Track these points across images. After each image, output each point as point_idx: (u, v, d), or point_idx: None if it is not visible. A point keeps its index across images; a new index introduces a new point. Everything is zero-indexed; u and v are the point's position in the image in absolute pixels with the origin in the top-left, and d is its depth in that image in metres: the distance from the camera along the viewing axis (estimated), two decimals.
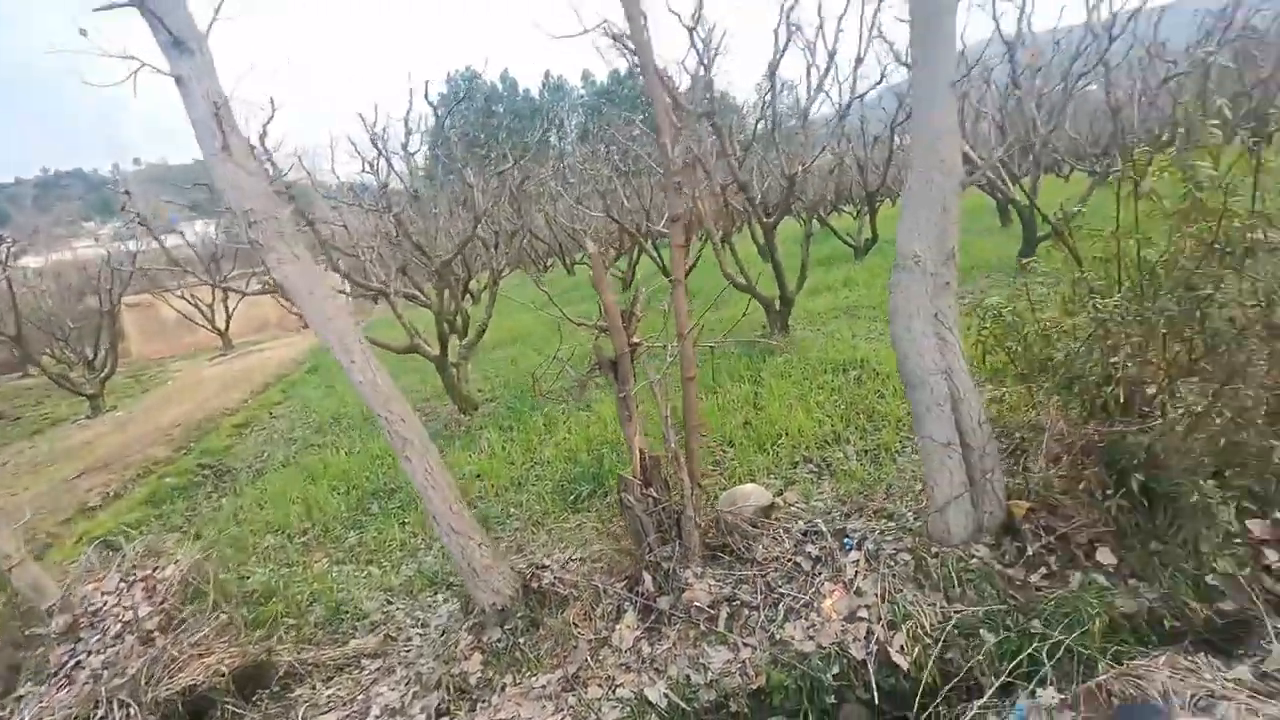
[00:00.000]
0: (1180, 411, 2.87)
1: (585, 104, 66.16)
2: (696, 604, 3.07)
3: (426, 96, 6.58)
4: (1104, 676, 2.23)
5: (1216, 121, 2.71)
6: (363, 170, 7.48)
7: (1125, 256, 3.00)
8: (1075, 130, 14.70)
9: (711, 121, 6.59)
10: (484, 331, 7.44)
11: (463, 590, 3.34)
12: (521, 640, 3.03)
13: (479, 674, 2.94)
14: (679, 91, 6.15)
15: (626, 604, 3.20)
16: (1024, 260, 3.47)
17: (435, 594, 3.78)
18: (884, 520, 3.35)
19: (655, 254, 12.15)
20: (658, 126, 2.71)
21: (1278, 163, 2.62)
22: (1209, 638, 2.59)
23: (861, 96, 7.24)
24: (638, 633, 3.05)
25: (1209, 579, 2.78)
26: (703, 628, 2.99)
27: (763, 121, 7.54)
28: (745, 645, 2.87)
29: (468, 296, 10.16)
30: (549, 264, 23.11)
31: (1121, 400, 2.91)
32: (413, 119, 6.31)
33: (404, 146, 6.53)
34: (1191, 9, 9.35)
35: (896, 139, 10.29)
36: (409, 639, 3.41)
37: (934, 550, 3.03)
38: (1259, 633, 2.46)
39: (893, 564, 3.04)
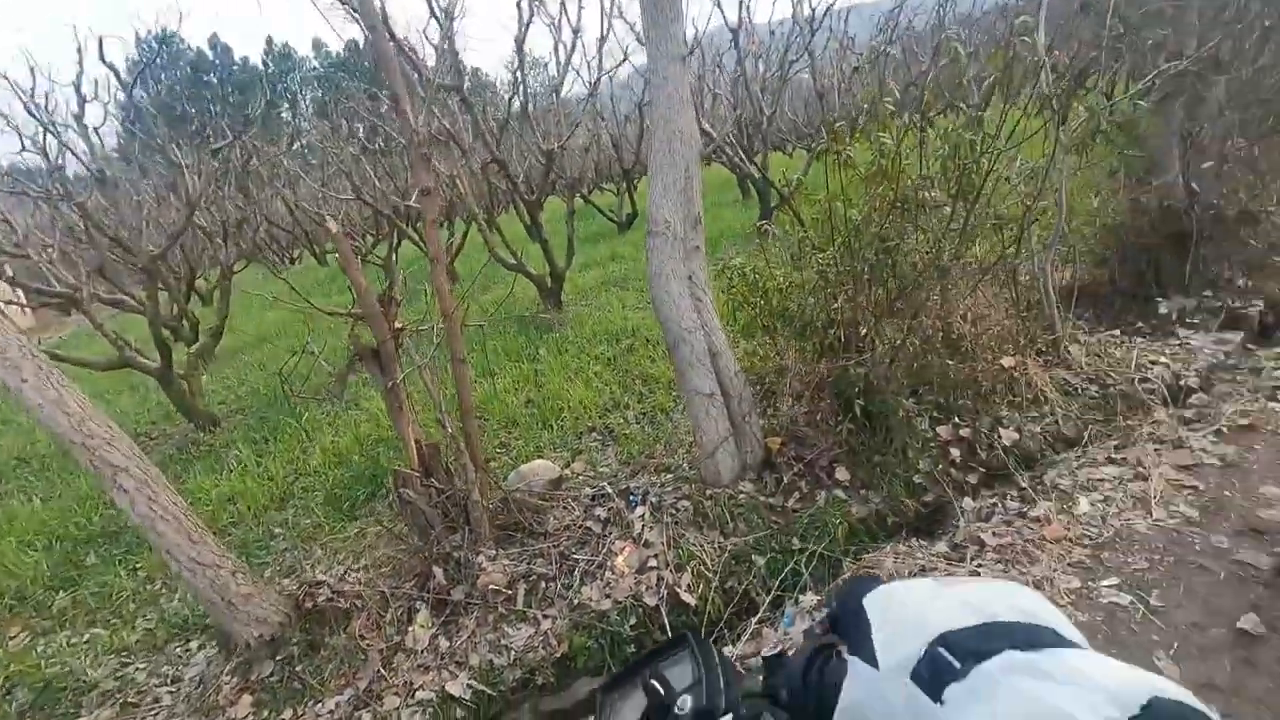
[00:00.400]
0: (884, 345, 3.46)
1: (320, 76, 59.69)
2: (493, 587, 3.01)
3: (103, 56, 5.41)
4: (847, 574, 2.63)
5: (891, 101, 3.26)
6: (22, 150, 6.01)
7: (835, 217, 3.48)
8: (794, 112, 16.79)
9: (461, 96, 6.35)
10: (219, 335, 6.46)
11: (221, 629, 2.91)
12: (300, 667, 2.73)
13: (250, 716, 2.60)
14: (423, 62, 5.82)
15: (419, 603, 3.04)
16: (760, 224, 3.87)
17: (187, 642, 3.24)
18: (664, 474, 3.55)
19: (417, 238, 11.50)
20: (394, 94, 2.52)
21: (936, 136, 3.24)
22: (919, 525, 3.19)
23: (610, 74, 7.48)
24: (433, 630, 2.92)
25: (915, 478, 3.42)
26: (501, 609, 2.95)
27: (517, 99, 7.46)
28: (546, 617, 2.88)
29: (194, 297, 8.73)
30: (295, 255, 20.74)
31: (843, 340, 3.42)
32: (87, 85, 5.15)
33: (78, 119, 5.33)
34: (870, 10, 11.07)
35: (646, 119, 10.84)
36: (156, 700, 2.89)
37: (708, 493, 3.30)
38: (952, 514, 3.07)
39: (675, 512, 3.26)
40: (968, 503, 2.98)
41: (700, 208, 3.12)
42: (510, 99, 7.86)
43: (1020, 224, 3.71)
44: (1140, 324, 4.92)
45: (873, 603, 0.50)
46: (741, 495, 3.31)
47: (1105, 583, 2.13)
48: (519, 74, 6.95)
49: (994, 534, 2.55)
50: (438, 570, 3.07)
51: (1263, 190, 5.98)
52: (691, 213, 3.05)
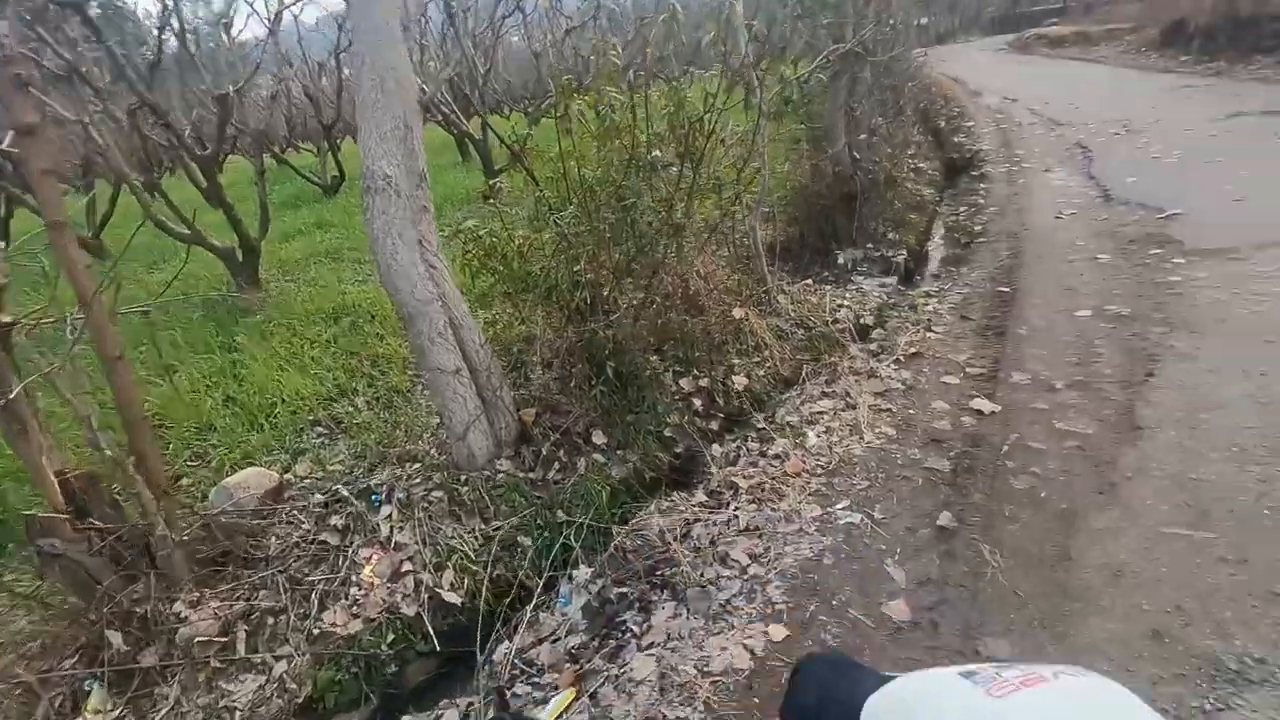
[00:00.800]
0: (628, 305, 3.47)
1: None
2: (201, 638, 2.40)
3: None
4: (617, 539, 2.59)
5: (616, 56, 3.20)
6: None
7: (570, 176, 3.35)
8: (509, 74, 16.40)
9: (83, 16, 4.87)
10: None
11: None
12: None
13: None
14: None
15: (89, 682, 2.31)
16: (491, 184, 3.59)
17: None
18: (409, 464, 3.18)
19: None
20: None
21: (660, 95, 3.28)
22: (676, 478, 3.31)
23: (292, 8, 6.36)
24: (116, 712, 2.24)
25: (666, 432, 3.53)
26: (216, 663, 2.37)
27: (170, 32, 5.98)
28: (279, 658, 2.39)
29: None
30: None
31: (589, 302, 3.35)
32: None
33: None
34: None
35: (345, 71, 9.60)
36: None
37: (463, 478, 3.03)
38: (703, 462, 3.23)
39: (428, 505, 2.93)
40: (715, 449, 3.15)
41: (424, 162, 2.76)
42: (161, 31, 6.27)
43: (736, 185, 3.99)
44: (826, 273, 5.71)
45: (881, 712, 0.33)
46: (500, 475, 3.09)
47: (839, 506, 2.39)
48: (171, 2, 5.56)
49: (744, 476, 2.72)
50: (114, 635, 2.35)
51: (897, 160, 7.34)
52: (415, 166, 2.67)
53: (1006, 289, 4.22)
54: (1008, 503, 2.30)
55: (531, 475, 3.18)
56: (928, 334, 3.70)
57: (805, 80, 5.20)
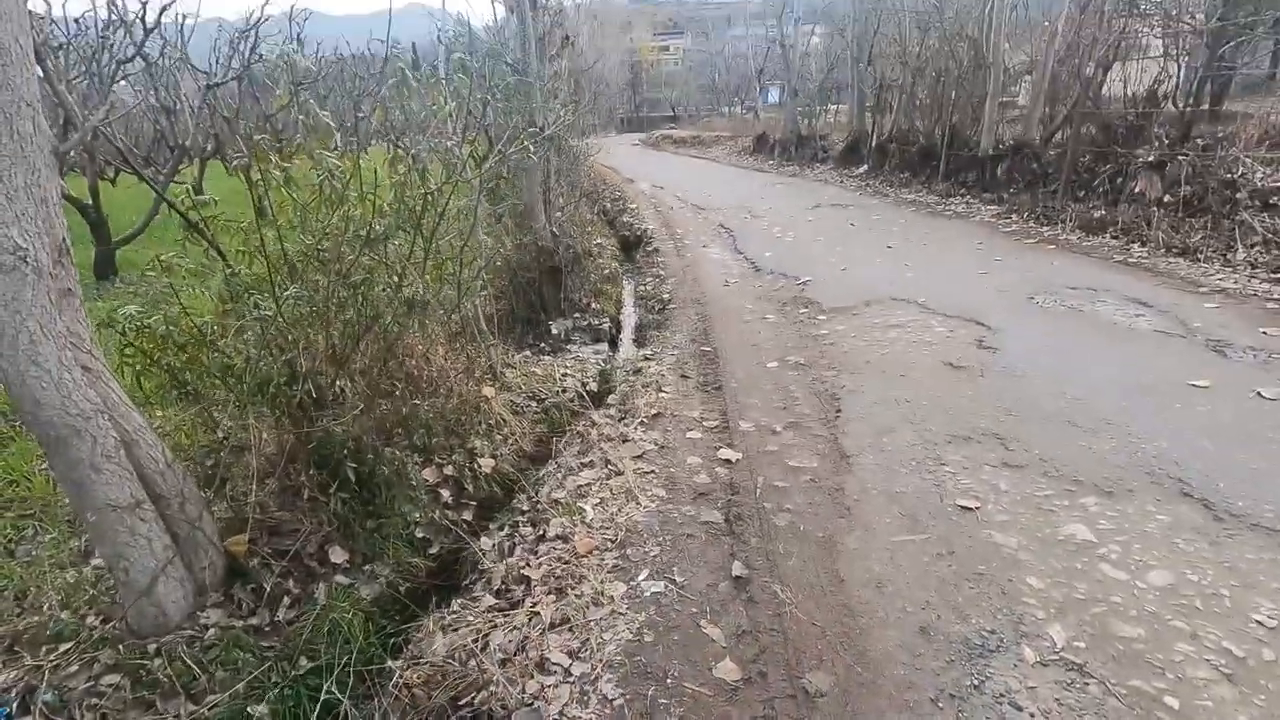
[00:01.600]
0: (364, 394, 3.03)
1: None
2: None
3: None
4: (397, 675, 2.16)
5: (329, 117, 2.85)
6: None
7: (268, 248, 2.84)
8: (127, 133, 13.55)
9: None
10: None
11: None
12: None
13: None
14: None
15: None
16: (160, 257, 2.89)
17: None
18: (57, 648, 2.24)
19: None
20: None
21: (387, 162, 3.00)
22: (439, 583, 2.91)
23: None
24: None
25: (418, 534, 3.11)
26: None
27: None
28: None
29: None
30: None
31: (315, 395, 2.82)
32: None
33: None
34: (214, 28, 9.83)
35: None
36: None
37: (153, 647, 2.24)
38: (469, 559, 2.90)
39: (98, 700, 2.08)
40: (485, 542, 2.87)
41: (66, 229, 2.08)
42: None
43: (458, 259, 3.83)
44: (542, 344, 5.81)
45: None
46: (210, 630, 2.37)
47: (641, 577, 2.35)
48: None
49: (532, 566, 2.51)
50: None
51: (584, 235, 7.92)
52: (56, 236, 1.99)
53: (709, 348, 4.77)
54: (779, 541, 2.52)
55: (254, 622, 2.50)
56: (660, 394, 3.97)
57: (512, 160, 5.33)
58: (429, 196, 2.91)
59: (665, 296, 6.50)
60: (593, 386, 4.78)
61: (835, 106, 18.64)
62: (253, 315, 2.76)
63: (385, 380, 3.22)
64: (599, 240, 9.27)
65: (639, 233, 9.98)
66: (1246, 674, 1.84)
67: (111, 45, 7.74)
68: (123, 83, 9.17)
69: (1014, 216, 8.49)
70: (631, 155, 22.64)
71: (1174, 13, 11.52)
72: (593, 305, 6.60)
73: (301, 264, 2.78)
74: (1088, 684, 1.84)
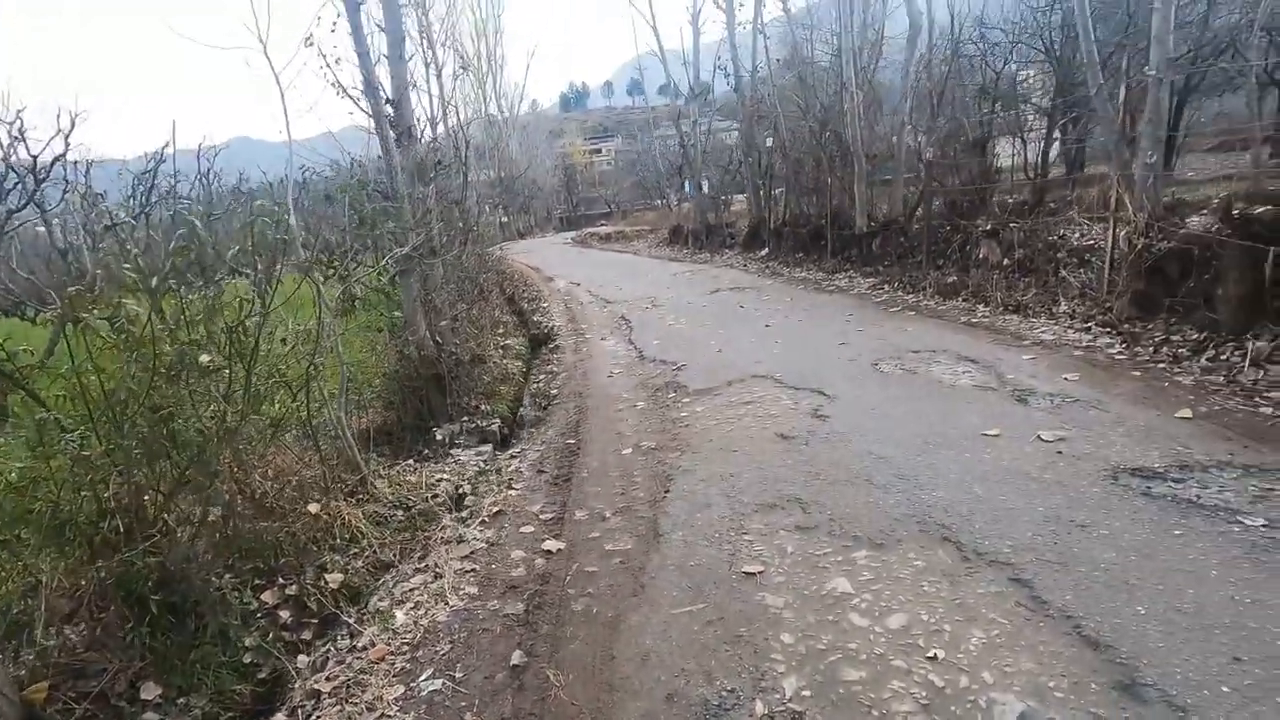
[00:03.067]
0: (181, 524, 3.10)
1: None
2: None
3: None
4: None
5: (133, 265, 3.08)
6: None
7: (90, 392, 2.99)
8: (31, 271, 13.54)
9: None
10: None
11: None
12: None
13: None
14: None
15: None
16: None
17: None
18: None
19: None
20: None
21: (195, 299, 3.22)
22: (263, 707, 2.90)
23: None
24: None
25: (246, 658, 3.12)
26: None
27: None
28: None
29: None
30: None
31: (123, 530, 2.90)
32: None
33: None
34: (121, 162, 10.14)
35: None
36: None
37: None
38: (290, 681, 2.92)
39: None
40: (302, 659, 2.91)
41: None
42: None
43: (304, 380, 4.01)
44: (426, 450, 5.91)
45: None
46: None
47: (423, 677, 2.44)
48: None
49: (328, 678, 2.58)
50: None
51: (481, 338, 8.20)
52: None
53: (573, 441, 4.98)
54: (569, 625, 2.66)
55: None
56: (509, 492, 4.12)
57: (374, 279, 5.63)
58: (233, 329, 3.12)
59: (553, 392, 6.74)
60: (467, 488, 4.90)
61: (743, 196, 19.94)
62: (66, 457, 2.87)
63: (211, 506, 3.30)
64: (508, 341, 9.57)
65: (546, 330, 10.33)
66: (941, 703, 2.03)
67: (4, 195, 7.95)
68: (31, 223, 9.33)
69: (886, 287, 9.16)
70: (558, 254, 23.50)
71: (1022, 99, 12.95)
72: (482, 407, 6.77)
73: (109, 405, 2.91)
74: None
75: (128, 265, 2.95)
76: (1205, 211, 5.77)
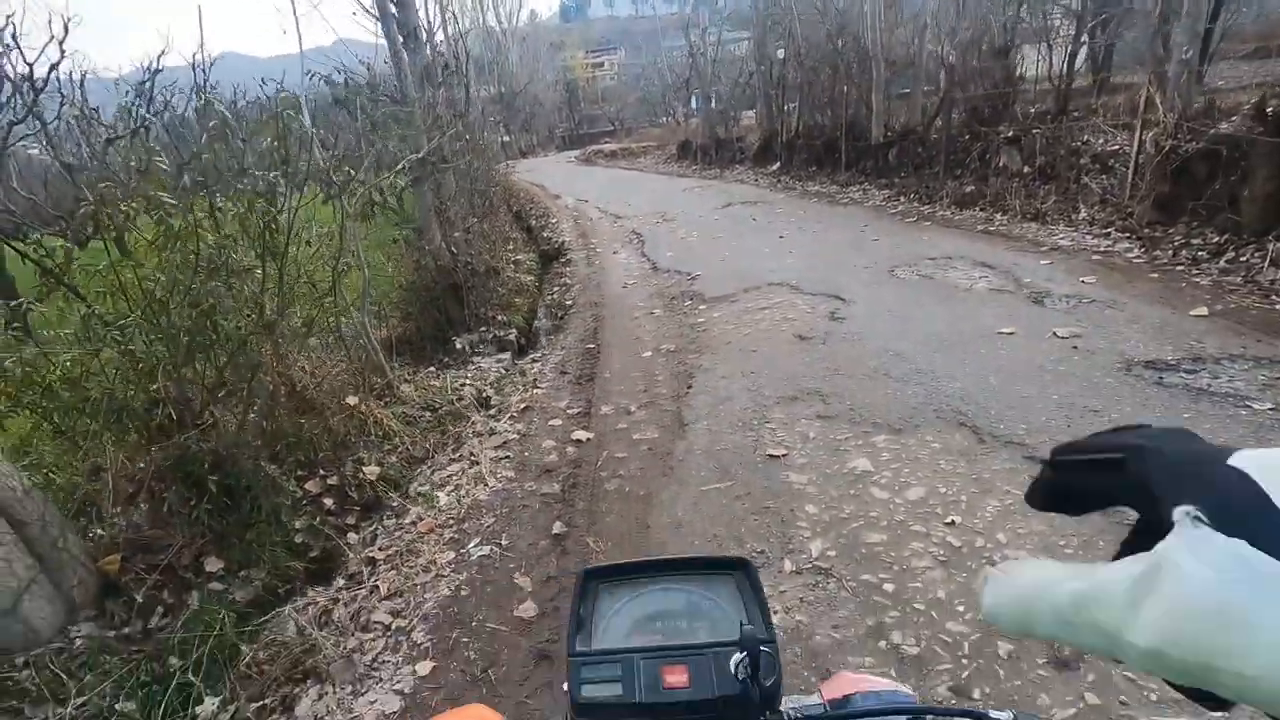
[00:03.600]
0: (228, 413, 3.24)
1: None
2: None
3: None
4: (245, 657, 2.38)
5: (165, 164, 3.09)
6: None
7: (129, 288, 3.06)
8: (30, 192, 13.40)
9: None
10: None
11: None
12: None
13: None
14: None
15: None
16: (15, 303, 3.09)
17: None
18: None
19: None
20: None
21: (227, 199, 3.24)
22: (316, 574, 3.13)
23: None
24: None
25: (297, 539, 3.33)
26: None
27: None
28: None
29: None
30: None
31: (175, 418, 3.03)
32: None
33: None
34: (113, 79, 9.90)
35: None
36: None
37: (21, 660, 2.43)
38: (342, 555, 3.13)
39: None
40: (352, 537, 3.11)
41: None
42: None
43: (331, 281, 4.07)
44: (447, 359, 6.04)
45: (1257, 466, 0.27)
46: (79, 642, 2.56)
47: (471, 544, 2.62)
48: None
49: (380, 549, 2.76)
50: None
51: (494, 251, 8.19)
52: None
53: (593, 346, 5.08)
54: (603, 502, 2.82)
55: (127, 630, 2.70)
56: (535, 390, 4.25)
57: (387, 184, 5.59)
58: (267, 224, 3.15)
59: (568, 303, 6.80)
60: (490, 392, 5.05)
61: (752, 111, 19.32)
62: (113, 349, 2.98)
63: (255, 398, 3.44)
64: (518, 256, 9.55)
65: (557, 245, 10.29)
66: (958, 559, 2.19)
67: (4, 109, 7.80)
68: (25, 142, 9.21)
69: (902, 198, 9.02)
70: (564, 172, 23.01)
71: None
72: (499, 318, 6.86)
73: (147, 301, 2.99)
74: (828, 583, 2.17)
75: (160, 159, 2.95)
76: (1236, 117, 5.62)
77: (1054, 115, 8.78)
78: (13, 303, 2.96)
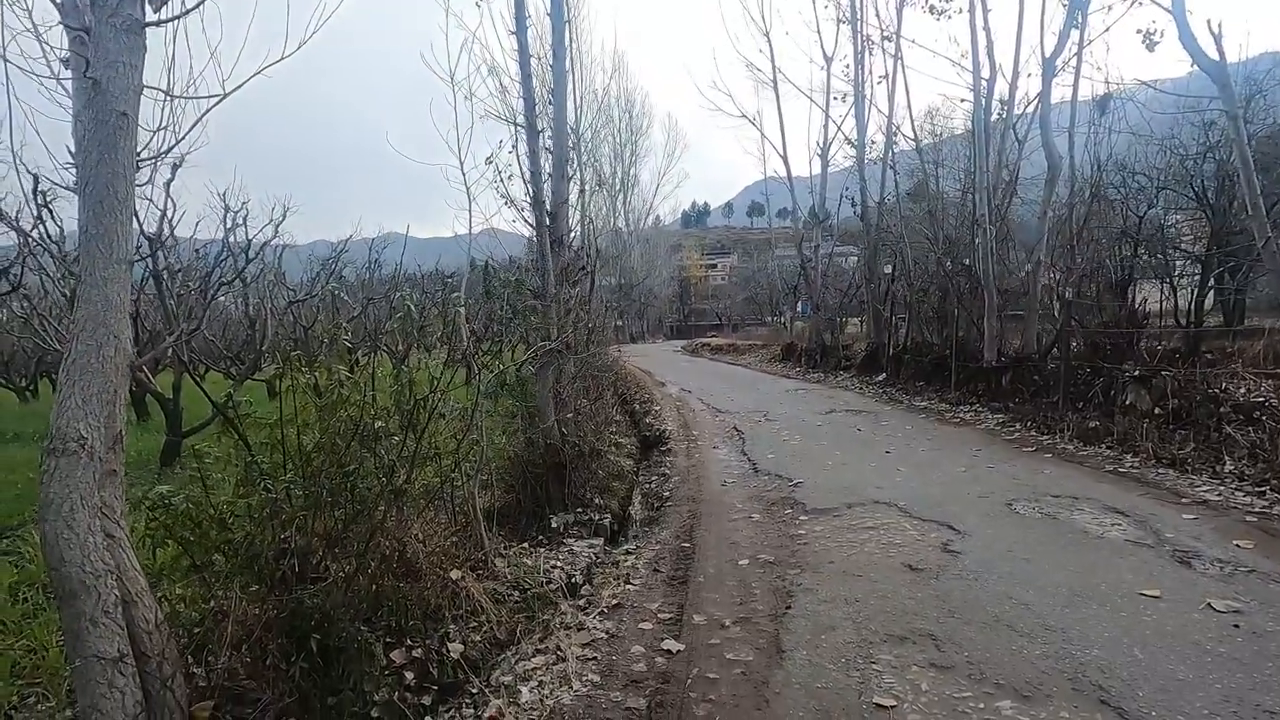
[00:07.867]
0: (340, 570, 3.40)
1: None
2: None
3: None
4: None
5: (347, 339, 3.59)
6: None
7: (288, 442, 3.43)
8: (211, 334, 15.66)
9: None
10: None
11: None
12: None
13: None
14: None
15: None
16: (179, 453, 3.50)
17: None
18: None
19: None
20: None
21: (387, 374, 3.68)
22: None
23: None
24: None
25: (374, 714, 3.28)
26: None
27: None
28: None
29: None
30: None
31: (296, 570, 3.22)
32: None
33: None
34: (305, 251, 11.75)
35: None
36: None
37: None
38: None
39: None
40: None
41: (124, 424, 2.69)
42: None
43: (455, 455, 4.37)
44: (540, 536, 6.10)
45: None
46: None
47: None
48: None
49: None
50: None
51: (599, 435, 8.48)
52: (114, 429, 2.59)
53: (688, 544, 5.01)
54: None
55: None
56: (627, 586, 4.18)
57: (519, 368, 6.10)
58: (418, 401, 3.51)
59: (665, 494, 6.83)
60: (579, 578, 5.00)
61: (859, 319, 19.94)
62: (263, 497, 3.28)
63: (367, 560, 3.60)
64: (620, 440, 9.83)
65: (658, 433, 10.53)
66: None
67: (220, 270, 9.39)
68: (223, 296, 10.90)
69: (1017, 425, 8.72)
70: (670, 360, 24.14)
71: (1170, 245, 12.46)
72: (596, 501, 6.95)
73: (314, 456, 3.33)
74: None
75: (345, 338, 3.44)
76: None
77: (1184, 356, 8.48)
78: (195, 445, 3.39)
